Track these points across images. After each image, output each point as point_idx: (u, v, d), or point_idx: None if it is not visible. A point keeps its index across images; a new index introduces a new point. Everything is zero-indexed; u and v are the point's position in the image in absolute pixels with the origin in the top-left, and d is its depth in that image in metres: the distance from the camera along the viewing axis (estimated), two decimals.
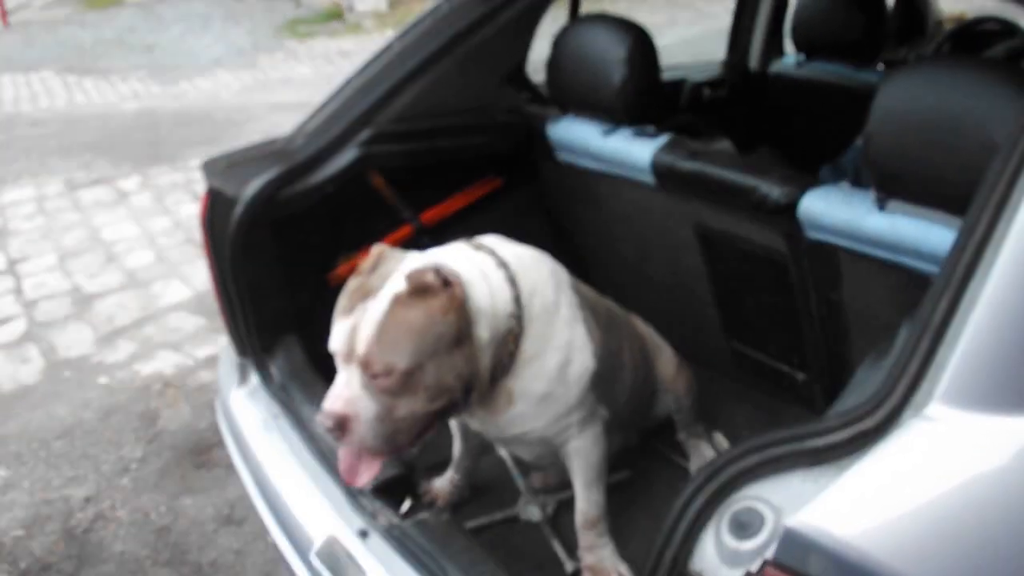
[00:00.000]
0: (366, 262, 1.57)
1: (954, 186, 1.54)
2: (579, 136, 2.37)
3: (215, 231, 2.08)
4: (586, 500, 1.83)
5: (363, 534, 1.62)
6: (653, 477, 2.20)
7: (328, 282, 2.35)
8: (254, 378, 2.14)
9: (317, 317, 2.32)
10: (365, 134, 2.22)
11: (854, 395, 1.14)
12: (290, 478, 1.85)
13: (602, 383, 1.74)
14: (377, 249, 1.60)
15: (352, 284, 1.55)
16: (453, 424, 1.98)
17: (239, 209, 2.01)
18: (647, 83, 2.25)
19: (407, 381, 1.45)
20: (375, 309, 1.46)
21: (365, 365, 1.45)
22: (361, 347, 1.44)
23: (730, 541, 0.97)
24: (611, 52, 2.21)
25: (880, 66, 3.19)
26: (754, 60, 3.52)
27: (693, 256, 2.31)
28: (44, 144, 6.94)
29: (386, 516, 1.62)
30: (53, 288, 4.59)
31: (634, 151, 2.21)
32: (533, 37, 2.56)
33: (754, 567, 0.93)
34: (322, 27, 11.25)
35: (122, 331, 4.20)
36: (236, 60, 9.80)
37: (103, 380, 3.80)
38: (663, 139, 2.19)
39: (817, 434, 0.98)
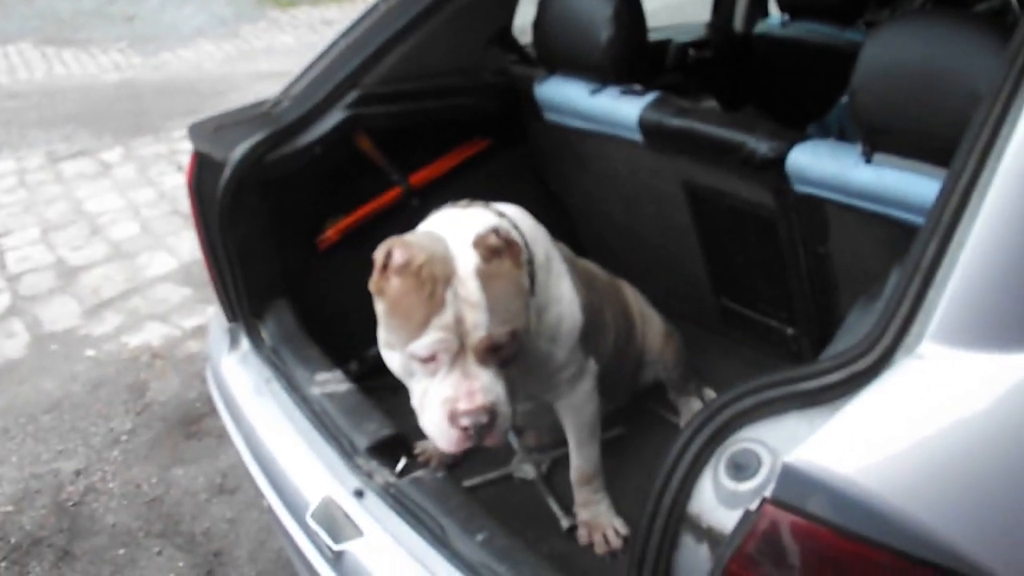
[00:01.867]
0: (395, 261, 1.46)
1: (939, 138, 1.55)
2: (566, 96, 2.36)
3: (202, 195, 2.07)
4: (581, 456, 1.84)
5: (359, 494, 1.63)
6: (646, 434, 2.22)
7: (317, 246, 2.35)
8: (245, 343, 2.14)
9: (307, 281, 2.33)
10: (352, 96, 2.20)
11: (845, 338, 1.15)
12: (284, 441, 1.85)
13: (588, 339, 1.75)
14: (388, 245, 1.48)
15: (402, 287, 1.44)
16: None
17: (227, 172, 1.99)
18: (634, 41, 2.24)
19: (521, 347, 1.46)
20: (470, 289, 1.40)
21: (487, 347, 1.40)
22: (480, 331, 1.39)
23: (728, 483, 0.98)
24: (598, 10, 2.20)
25: (863, 27, 3.18)
26: (738, 21, 3.51)
27: (681, 213, 2.31)
28: (24, 116, 6.84)
29: (382, 475, 1.63)
30: (37, 261, 4.55)
31: (621, 109, 2.21)
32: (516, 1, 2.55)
33: (752, 506, 0.94)
34: None
35: (108, 303, 4.18)
36: (218, 30, 9.68)
37: (90, 352, 3.78)
38: (650, 97, 2.19)
39: (811, 376, 0.98)
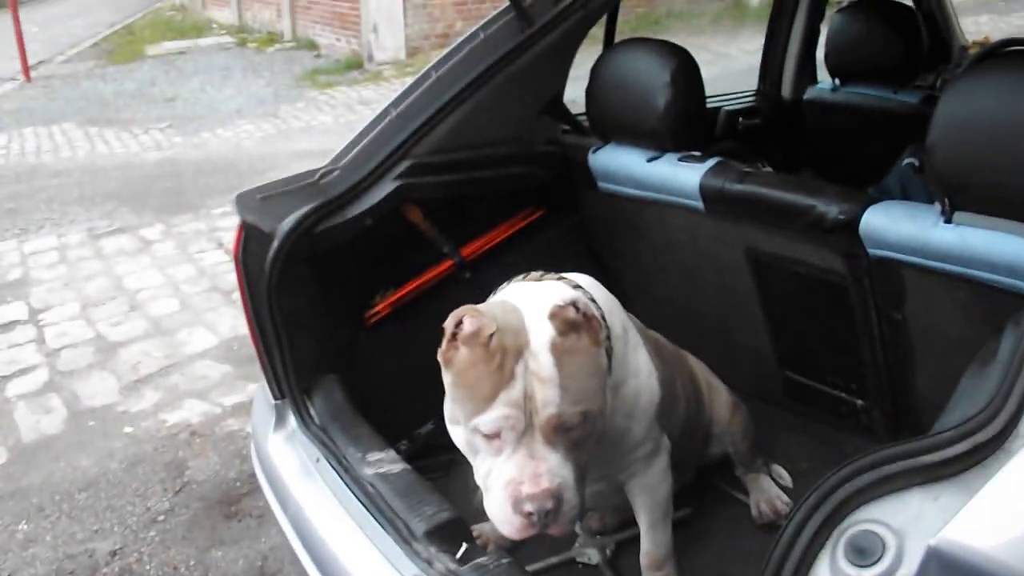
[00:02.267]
0: (465, 329, 1.39)
1: None
2: (622, 164, 2.30)
3: (249, 267, 2.02)
4: (652, 539, 1.73)
5: None
6: (713, 514, 2.09)
7: (366, 320, 2.28)
8: (292, 421, 2.06)
9: (356, 357, 2.26)
10: (403, 166, 2.16)
11: (961, 407, 1.05)
12: (335, 524, 1.75)
13: (664, 413, 1.65)
14: (459, 313, 1.41)
15: (470, 357, 1.37)
16: None
17: (275, 244, 1.94)
18: (693, 106, 2.19)
19: (594, 428, 1.37)
20: (543, 364, 1.33)
21: (556, 426, 1.31)
22: (550, 409, 1.30)
23: (848, 570, 0.87)
24: (654, 75, 2.16)
25: (915, 89, 3.12)
26: (787, 89, 3.46)
27: (744, 282, 2.22)
28: (66, 194, 6.94)
29: (442, 562, 1.52)
30: (75, 337, 4.53)
31: (681, 175, 2.14)
32: (569, 67, 2.52)
33: None
34: (342, 77, 11.31)
35: (147, 379, 4.13)
36: (257, 110, 9.85)
37: (128, 429, 3.71)
38: (711, 163, 2.12)
39: (931, 449, 0.89)
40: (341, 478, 1.80)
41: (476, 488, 1.47)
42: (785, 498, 2.08)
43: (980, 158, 1.54)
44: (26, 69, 11.65)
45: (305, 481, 1.90)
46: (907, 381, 2.00)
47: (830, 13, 3.32)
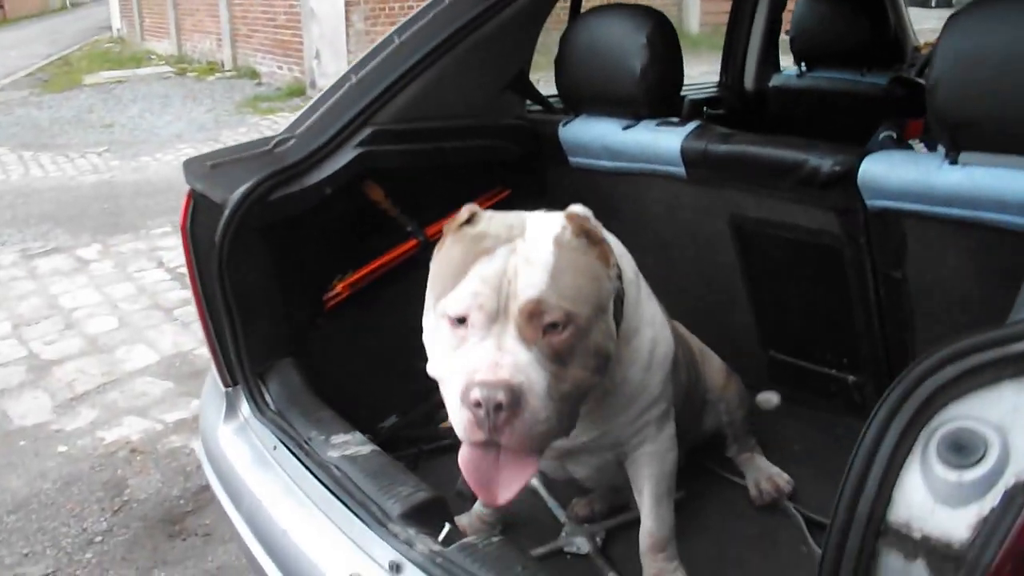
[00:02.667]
0: (458, 217, 1.28)
1: None
2: (596, 134, 2.18)
3: (197, 240, 1.83)
4: (655, 517, 1.56)
5: (395, 568, 1.34)
6: (708, 496, 1.95)
7: (324, 304, 2.11)
8: (245, 409, 1.87)
9: (314, 343, 2.08)
10: (364, 133, 2.01)
11: None
12: (297, 514, 1.57)
13: (675, 371, 1.51)
14: (469, 208, 1.32)
15: (458, 240, 1.25)
16: None
17: (227, 212, 1.77)
18: (670, 70, 2.07)
19: (581, 340, 1.17)
20: (539, 251, 1.17)
21: (534, 316, 1.13)
22: (530, 291, 1.14)
23: (947, 473, 0.73)
24: (629, 38, 2.04)
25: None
26: (749, 80, 3.40)
27: (726, 255, 2.10)
28: None
29: (423, 544, 1.35)
30: (6, 356, 4.25)
31: (660, 140, 2.02)
32: (535, 42, 2.40)
33: (994, 499, 0.69)
34: (284, 103, 11.13)
35: (83, 397, 3.87)
36: (198, 135, 9.59)
37: (62, 448, 3.45)
38: (692, 126, 2.01)
39: (1020, 337, 0.75)
40: (302, 463, 1.62)
41: (457, 477, 1.31)
42: (785, 475, 1.94)
43: (987, 92, 1.45)
44: None
45: (261, 471, 1.71)
46: (905, 350, 1.89)
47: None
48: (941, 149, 1.57)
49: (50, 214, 6.66)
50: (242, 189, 1.80)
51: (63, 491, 3.17)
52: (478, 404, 1.10)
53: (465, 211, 1.29)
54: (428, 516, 1.41)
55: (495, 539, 1.34)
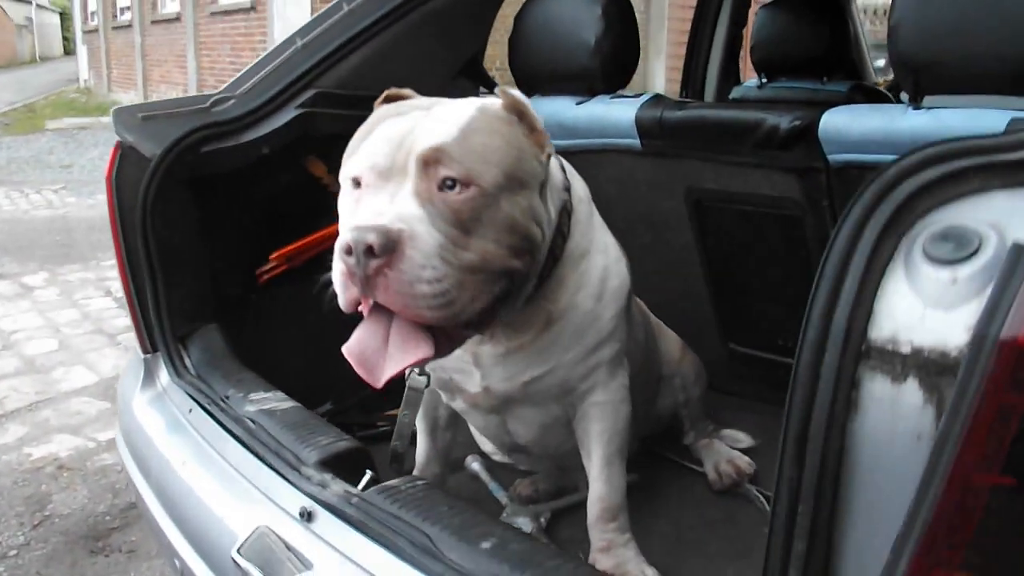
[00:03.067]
0: (380, 99, 1.24)
1: (1001, 61, 1.31)
2: (548, 112, 2.08)
3: (122, 193, 1.72)
4: (605, 481, 1.41)
5: (307, 516, 1.20)
6: (663, 481, 1.81)
7: (257, 278, 1.98)
8: (163, 377, 1.72)
9: (244, 320, 1.94)
10: (307, 95, 1.92)
11: None
12: (205, 472, 1.42)
13: (629, 313, 1.40)
14: (396, 91, 1.26)
15: (381, 112, 1.17)
16: (418, 419, 1.57)
17: (155, 158, 1.66)
18: (626, 42, 2.01)
19: (487, 208, 1.04)
20: (453, 111, 1.09)
21: (430, 165, 1.03)
22: (430, 139, 1.04)
23: (937, 271, 0.62)
24: (583, 10, 1.98)
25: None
26: (709, 93, 3.37)
27: (684, 235, 2.01)
28: None
29: (339, 487, 1.21)
30: None
31: (614, 112, 1.95)
32: (489, 28, 2.34)
33: (990, 291, 0.58)
34: None
35: (12, 415, 3.66)
36: None
37: None
38: (646, 96, 1.94)
39: (1013, 147, 0.65)
40: (216, 420, 1.48)
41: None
42: (746, 458, 1.82)
43: (949, 30, 1.39)
44: None
45: (173, 436, 1.56)
46: None
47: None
48: (905, 96, 1.50)
49: (0, 244, 6.47)
50: (172, 137, 1.69)
51: None
52: (349, 251, 0.99)
53: (386, 93, 1.22)
54: (348, 465, 1.27)
55: (420, 482, 1.20)
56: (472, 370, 1.32)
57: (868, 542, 0.64)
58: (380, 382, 1.06)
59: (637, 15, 2.08)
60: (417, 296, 1.00)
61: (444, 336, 1.08)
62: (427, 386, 1.37)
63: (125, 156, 1.73)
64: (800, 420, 0.68)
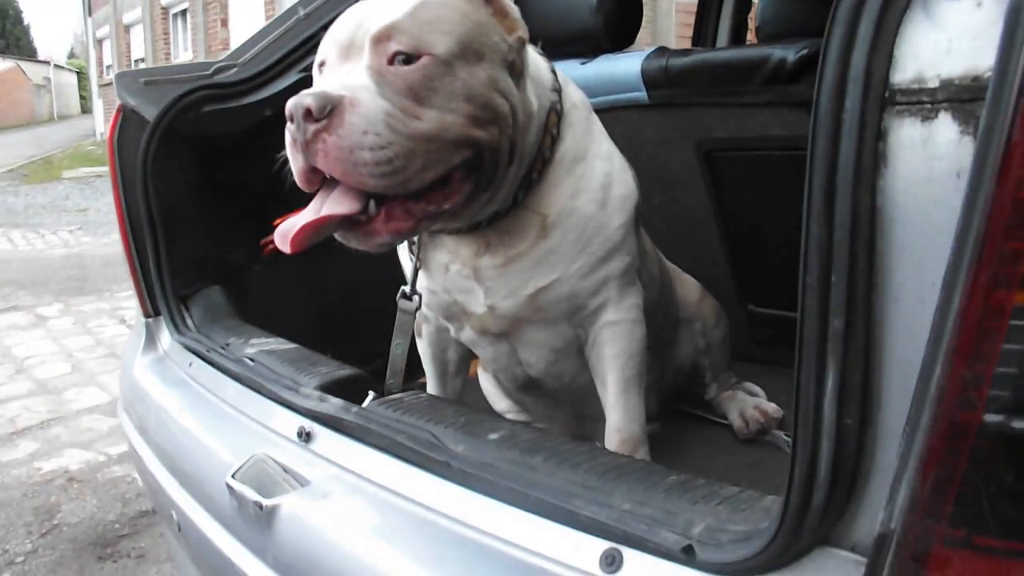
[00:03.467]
0: None
1: None
2: None
3: (123, 154, 1.70)
4: (622, 409, 1.33)
5: (304, 435, 1.14)
6: (687, 432, 1.73)
7: (262, 249, 1.94)
8: (164, 340, 1.68)
9: (250, 288, 1.90)
10: (310, 60, 1.89)
11: None
12: (201, 415, 1.37)
13: (639, 231, 1.34)
14: None
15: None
16: (426, 364, 1.51)
17: (157, 114, 1.64)
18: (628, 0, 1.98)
19: (442, 77, 1.02)
20: None
21: (381, 41, 1.02)
22: (382, 19, 1.03)
23: (959, 1, 0.57)
24: None
25: None
26: None
27: (697, 191, 1.96)
28: None
29: (339, 402, 1.15)
30: None
31: (619, 66, 1.91)
32: None
33: None
34: None
35: (25, 432, 3.62)
36: None
37: None
38: (650, 49, 1.90)
39: None
40: (215, 365, 1.42)
41: None
42: (773, 404, 1.74)
43: None
44: None
45: (171, 389, 1.51)
46: None
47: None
48: None
49: (14, 279, 6.50)
50: (174, 94, 1.67)
51: None
52: (291, 118, 0.98)
53: None
54: (351, 389, 1.21)
55: (423, 394, 1.15)
56: (474, 287, 1.27)
57: (913, 315, 0.58)
58: (296, 242, 1.03)
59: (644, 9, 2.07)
60: (358, 163, 0.97)
61: (400, 209, 1.04)
62: (418, 308, 1.30)
63: (127, 119, 1.72)
64: (824, 171, 0.62)
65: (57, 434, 3.61)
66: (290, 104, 0.97)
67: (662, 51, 1.88)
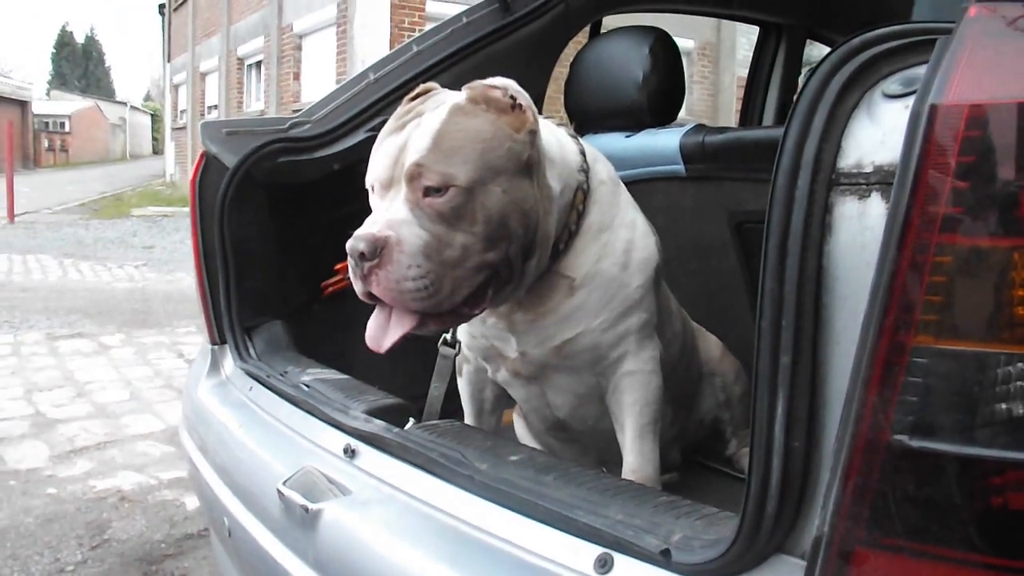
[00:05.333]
0: (412, 94, 1.37)
1: None
2: (599, 146, 2.21)
3: (204, 196, 1.89)
4: (638, 452, 1.46)
5: (350, 452, 1.29)
6: (706, 484, 1.83)
7: (323, 290, 2.12)
8: (228, 365, 1.85)
9: (309, 327, 2.07)
10: (377, 121, 2.09)
11: None
12: (258, 431, 1.53)
13: (655, 296, 1.48)
14: (427, 84, 1.40)
15: (397, 112, 1.34)
16: (465, 402, 1.66)
17: (236, 161, 1.83)
18: (671, 79, 2.15)
19: (466, 203, 1.20)
20: (431, 119, 1.24)
21: (414, 179, 1.20)
22: (412, 156, 1.20)
23: (891, 103, 0.72)
24: (632, 51, 2.13)
25: None
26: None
27: (728, 261, 2.09)
28: (29, 305, 6.78)
29: (382, 424, 1.30)
30: (12, 412, 4.25)
31: (660, 140, 2.07)
32: (551, 70, 2.51)
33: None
34: None
35: (82, 451, 3.82)
36: None
37: (51, 490, 3.38)
38: (690, 125, 2.06)
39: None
40: (273, 389, 1.59)
41: None
42: None
43: None
44: (11, 213, 11.78)
45: (232, 409, 1.67)
46: None
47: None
48: None
49: (80, 308, 6.82)
50: (253, 144, 1.87)
51: (43, 526, 3.08)
52: (351, 254, 1.19)
53: (420, 87, 1.38)
54: (394, 415, 1.36)
55: (458, 423, 1.29)
56: (508, 336, 1.42)
57: (850, 354, 0.71)
58: (382, 348, 1.25)
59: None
60: (404, 291, 1.18)
61: (432, 318, 1.25)
62: (456, 354, 1.47)
63: (209, 164, 1.91)
64: (779, 235, 0.76)
65: (112, 456, 3.80)
66: (349, 245, 1.18)
67: (699, 128, 2.03)
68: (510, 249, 1.25)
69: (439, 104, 1.27)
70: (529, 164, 1.27)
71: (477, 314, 1.30)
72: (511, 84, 1.29)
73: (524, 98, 1.29)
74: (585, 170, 1.40)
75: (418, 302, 1.19)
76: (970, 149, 0.65)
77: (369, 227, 1.19)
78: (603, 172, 1.45)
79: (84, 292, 7.51)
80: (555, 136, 1.39)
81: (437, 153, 1.19)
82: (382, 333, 1.24)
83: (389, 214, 1.19)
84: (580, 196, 1.37)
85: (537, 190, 1.29)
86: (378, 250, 1.16)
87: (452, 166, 1.19)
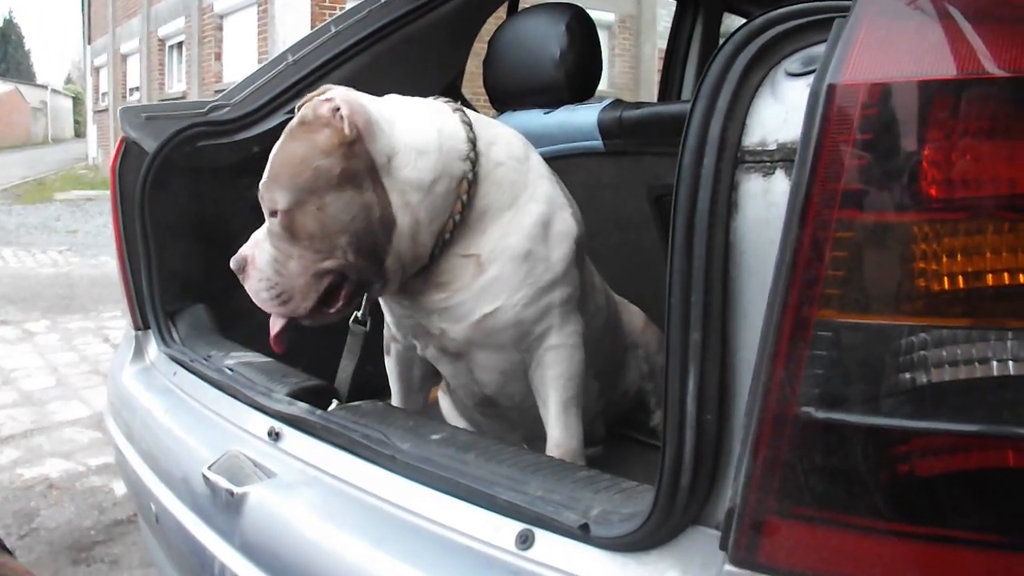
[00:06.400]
0: (305, 97, 1.42)
1: None
2: (517, 123, 2.22)
3: (124, 181, 1.86)
4: (563, 426, 1.47)
5: (274, 435, 1.29)
6: (630, 456, 1.87)
7: None
8: (152, 351, 1.82)
9: (230, 304, 2.05)
10: (296, 103, 2.06)
11: None
12: (181, 415, 1.52)
13: (578, 270, 1.49)
14: (324, 87, 1.41)
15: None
16: (393, 381, 1.66)
17: (155, 146, 1.80)
18: (588, 55, 2.15)
19: (292, 223, 1.31)
20: (278, 142, 1.37)
21: (262, 202, 1.36)
22: (261, 189, 1.35)
23: (793, 82, 0.75)
24: (549, 29, 2.13)
25: None
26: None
27: (649, 234, 2.12)
28: None
29: (305, 406, 1.30)
30: None
31: (578, 116, 2.09)
32: (468, 52, 2.51)
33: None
34: None
35: (8, 440, 3.74)
36: None
37: None
38: (607, 101, 2.09)
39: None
40: (196, 373, 1.57)
41: None
42: None
43: None
44: None
45: (155, 395, 1.66)
46: None
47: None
48: None
49: (4, 294, 6.62)
50: (173, 128, 1.84)
51: None
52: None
53: (318, 90, 1.41)
54: (317, 396, 1.36)
55: (380, 403, 1.30)
56: (428, 315, 1.43)
57: (759, 328, 0.74)
58: (271, 339, 1.40)
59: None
60: (263, 300, 1.36)
61: (299, 318, 1.39)
62: (365, 333, 1.51)
63: (128, 149, 1.87)
64: (686, 213, 0.78)
65: (39, 443, 3.72)
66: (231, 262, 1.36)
67: (617, 103, 2.06)
68: (347, 255, 1.32)
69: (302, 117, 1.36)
70: (350, 175, 1.29)
71: (340, 312, 1.39)
72: (340, 92, 1.32)
73: (350, 107, 1.29)
74: (472, 158, 1.38)
75: (277, 308, 1.36)
76: (867, 127, 0.67)
77: (243, 247, 1.37)
78: (501, 154, 1.43)
79: (7, 279, 7.27)
80: (435, 126, 1.37)
81: (268, 179, 1.33)
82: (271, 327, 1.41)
83: (258, 233, 1.37)
84: (464, 185, 1.37)
85: (374, 194, 1.31)
86: (242, 267, 1.36)
87: (275, 191, 1.32)
